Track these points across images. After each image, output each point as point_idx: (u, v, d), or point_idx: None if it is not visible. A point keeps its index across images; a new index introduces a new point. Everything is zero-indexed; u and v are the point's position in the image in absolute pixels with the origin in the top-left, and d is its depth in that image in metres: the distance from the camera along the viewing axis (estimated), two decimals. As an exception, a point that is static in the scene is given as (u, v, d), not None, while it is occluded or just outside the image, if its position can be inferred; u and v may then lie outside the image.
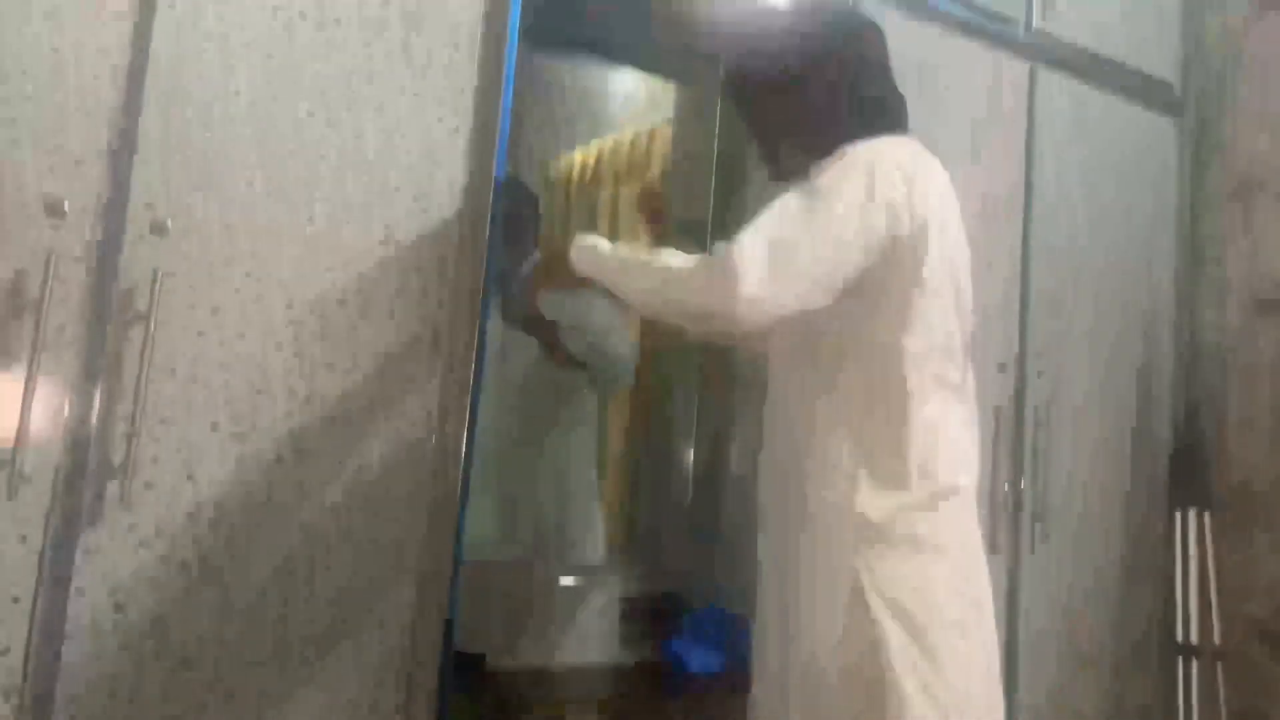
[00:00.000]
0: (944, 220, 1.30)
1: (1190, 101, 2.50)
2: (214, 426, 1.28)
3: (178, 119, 1.27)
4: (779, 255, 1.16)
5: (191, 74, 1.29)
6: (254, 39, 1.33)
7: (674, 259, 1.27)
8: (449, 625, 1.42)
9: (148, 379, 1.22)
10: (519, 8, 1.53)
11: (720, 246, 1.18)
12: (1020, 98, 2.16)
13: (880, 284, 1.25)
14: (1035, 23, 2.20)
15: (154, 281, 1.23)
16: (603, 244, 1.37)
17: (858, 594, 1.21)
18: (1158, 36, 2.46)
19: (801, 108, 1.36)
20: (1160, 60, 2.46)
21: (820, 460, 1.28)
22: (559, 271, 1.41)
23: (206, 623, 1.26)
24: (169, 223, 1.26)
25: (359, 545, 1.38)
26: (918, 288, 1.25)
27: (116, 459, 1.21)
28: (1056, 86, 2.23)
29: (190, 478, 1.26)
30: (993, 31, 2.13)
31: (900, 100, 1.42)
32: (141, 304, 1.23)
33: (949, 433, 1.28)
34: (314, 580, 1.34)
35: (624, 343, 2.01)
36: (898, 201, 1.23)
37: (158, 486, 1.24)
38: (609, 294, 1.36)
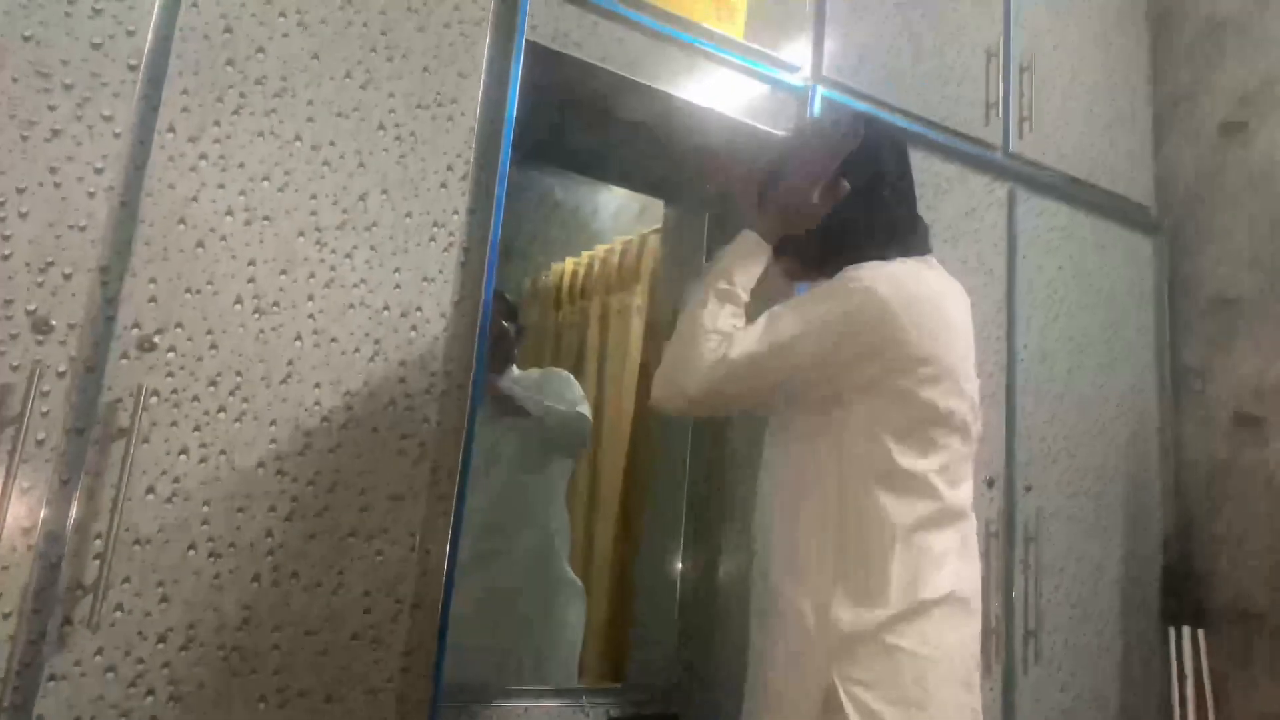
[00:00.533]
0: (950, 344, 1.29)
1: (1165, 223, 2.56)
2: (191, 546, 1.26)
3: (171, 237, 1.29)
4: (736, 370, 1.25)
5: (186, 194, 1.31)
6: (249, 161, 1.36)
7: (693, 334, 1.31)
8: (426, 755, 1.37)
9: (125, 497, 1.20)
10: (511, 128, 1.57)
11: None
12: (1000, 218, 2.22)
13: (868, 406, 1.25)
14: (1013, 146, 2.27)
15: (138, 398, 1.23)
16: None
17: (832, 699, 1.16)
18: (1132, 160, 2.54)
19: (808, 228, 1.37)
20: (1135, 183, 2.53)
21: (800, 565, 1.26)
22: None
23: (173, 753, 1.22)
24: (156, 339, 1.26)
25: (336, 670, 1.34)
26: (915, 410, 1.25)
27: (88, 579, 1.18)
28: (1036, 207, 2.28)
29: (164, 600, 1.23)
30: (973, 155, 2.19)
31: (915, 220, 1.42)
32: (124, 420, 1.22)
33: (935, 552, 1.24)
34: (288, 707, 1.30)
35: (573, 409, 2.18)
36: (875, 327, 1.24)
37: (129, 609, 1.21)
38: None
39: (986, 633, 1.97)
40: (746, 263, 1.36)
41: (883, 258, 1.31)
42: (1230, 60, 2.57)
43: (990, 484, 2.07)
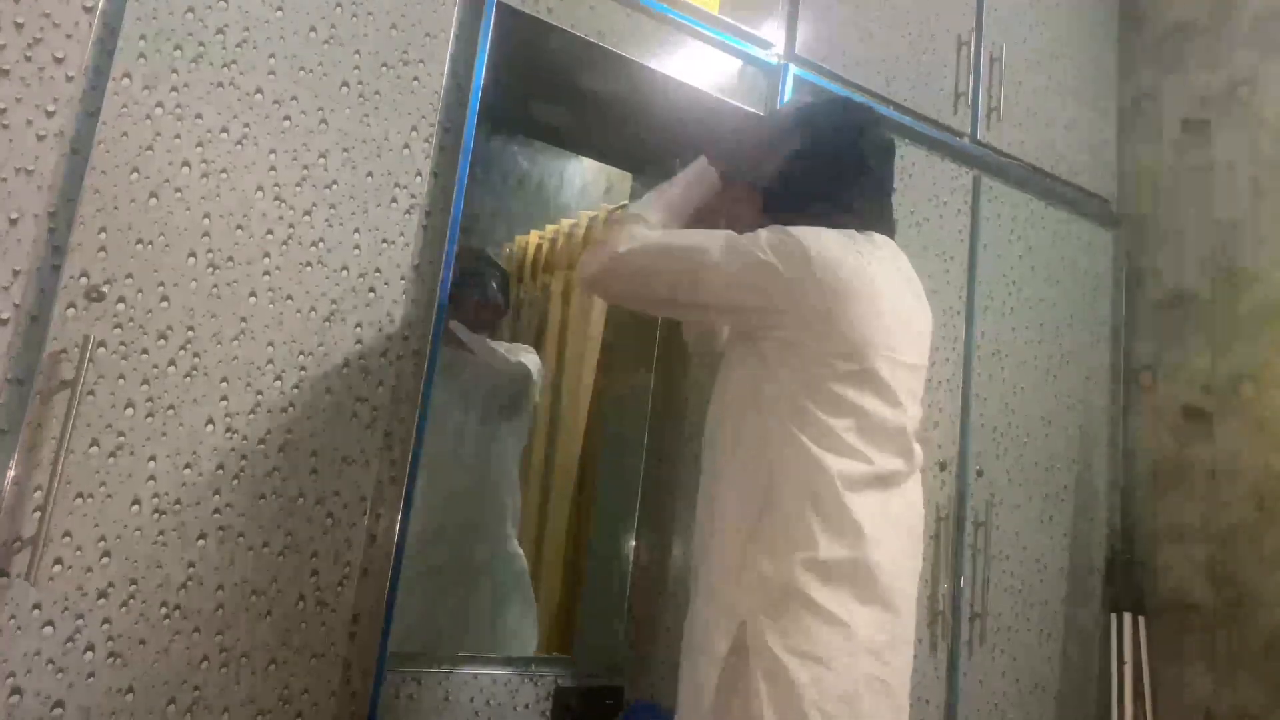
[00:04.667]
0: (878, 310, 1.30)
1: (1125, 217, 2.60)
2: (135, 502, 1.23)
3: (122, 186, 1.25)
4: (632, 258, 1.32)
5: (140, 143, 1.27)
6: (207, 112, 1.33)
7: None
8: None
9: (68, 449, 1.17)
10: (479, 93, 1.55)
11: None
12: (965, 205, 2.23)
13: (782, 355, 1.27)
14: (981, 134, 2.28)
15: (84, 349, 1.20)
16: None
17: (740, 640, 1.18)
18: (1095, 154, 2.57)
19: (754, 170, 1.44)
20: (1097, 176, 2.56)
21: (725, 508, 1.27)
22: None
23: (109, 709, 1.20)
24: (104, 290, 1.23)
25: (281, 632, 1.32)
26: (827, 366, 1.26)
27: (27, 532, 1.15)
28: (999, 195, 2.30)
29: (105, 555, 1.21)
30: (940, 141, 2.20)
31: (881, 208, 1.44)
32: (68, 372, 1.19)
33: (857, 515, 1.23)
34: (230, 668, 1.28)
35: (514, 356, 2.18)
36: (790, 268, 1.26)
37: (69, 563, 1.18)
38: None
39: (933, 614, 2.01)
40: (693, 184, 1.44)
41: (828, 225, 1.34)
42: (1193, 62, 2.60)
43: (943, 467, 2.09)
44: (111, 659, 1.20)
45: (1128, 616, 2.34)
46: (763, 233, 1.30)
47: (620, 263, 1.33)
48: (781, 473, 1.23)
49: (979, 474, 2.15)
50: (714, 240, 1.31)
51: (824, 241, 1.29)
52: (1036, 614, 2.23)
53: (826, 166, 1.41)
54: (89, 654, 1.19)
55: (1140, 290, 2.58)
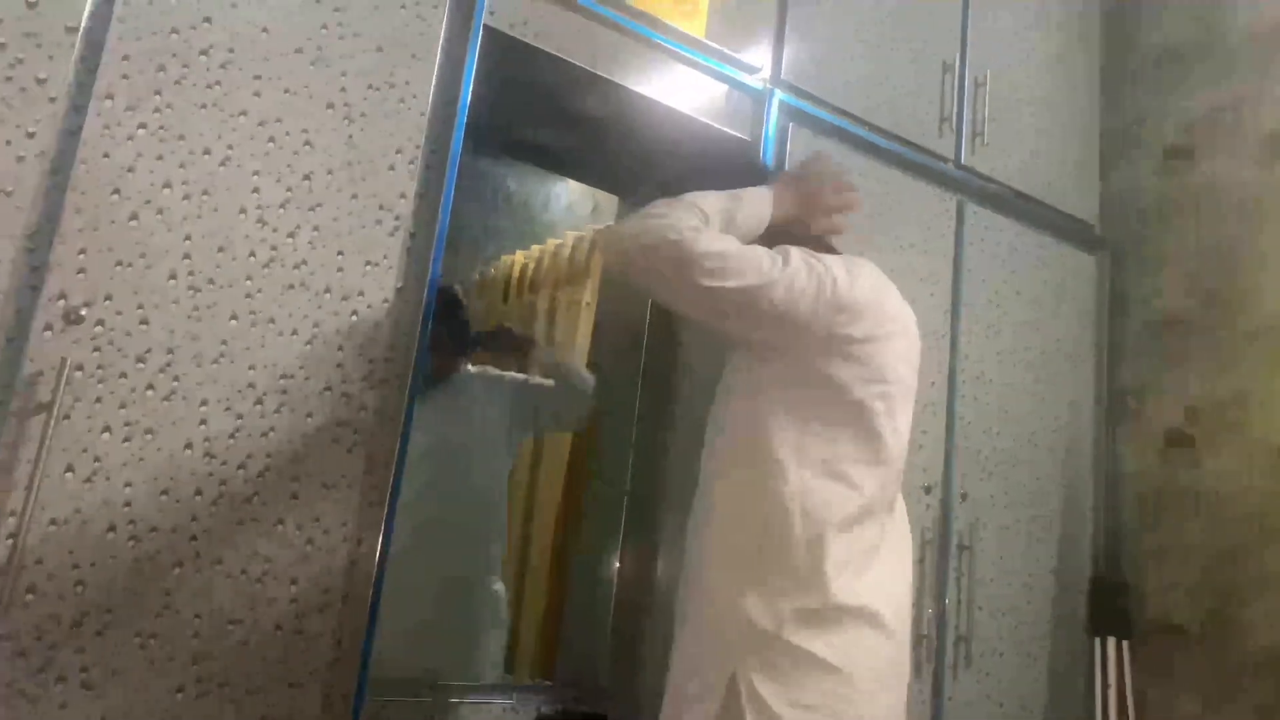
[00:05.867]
0: (873, 334, 1.30)
1: (1109, 242, 2.61)
2: (110, 528, 1.21)
3: (103, 207, 1.24)
4: (728, 264, 1.24)
5: (122, 164, 1.26)
6: (191, 133, 1.32)
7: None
8: (350, 750, 1.35)
9: (43, 474, 1.15)
10: (465, 115, 1.55)
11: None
12: (949, 229, 2.24)
13: (784, 388, 1.27)
14: (965, 159, 2.29)
15: (61, 371, 1.18)
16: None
17: (734, 700, 1.15)
18: (1079, 179, 2.58)
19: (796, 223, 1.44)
20: (1082, 202, 2.57)
21: (716, 548, 1.25)
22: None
23: (83, 741, 1.17)
24: (83, 312, 1.21)
25: (259, 661, 1.30)
26: (823, 388, 1.26)
27: None
28: (984, 220, 2.31)
29: (79, 583, 1.19)
30: (924, 165, 2.21)
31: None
32: (45, 395, 1.17)
33: (853, 552, 1.23)
34: (208, 697, 1.26)
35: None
36: (832, 284, 1.27)
37: (42, 590, 1.16)
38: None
39: (918, 638, 2.00)
40: (755, 203, 1.39)
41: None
42: (1178, 88, 2.63)
43: (928, 490, 2.09)
44: (85, 689, 1.18)
45: (1112, 640, 2.34)
46: (800, 254, 1.29)
47: (696, 259, 1.23)
48: (781, 511, 1.21)
49: (963, 497, 2.15)
50: (776, 254, 1.29)
51: (861, 269, 1.32)
52: (1021, 637, 2.22)
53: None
54: (61, 684, 1.17)
55: (1125, 315, 2.59)
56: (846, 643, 1.19)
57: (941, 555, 2.10)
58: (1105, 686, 2.31)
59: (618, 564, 2.04)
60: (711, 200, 1.34)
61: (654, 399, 2.08)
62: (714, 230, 1.30)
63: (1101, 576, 2.42)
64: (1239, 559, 2.29)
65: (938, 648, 2.06)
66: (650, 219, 1.28)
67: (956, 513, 2.13)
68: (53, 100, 1.22)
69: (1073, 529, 2.39)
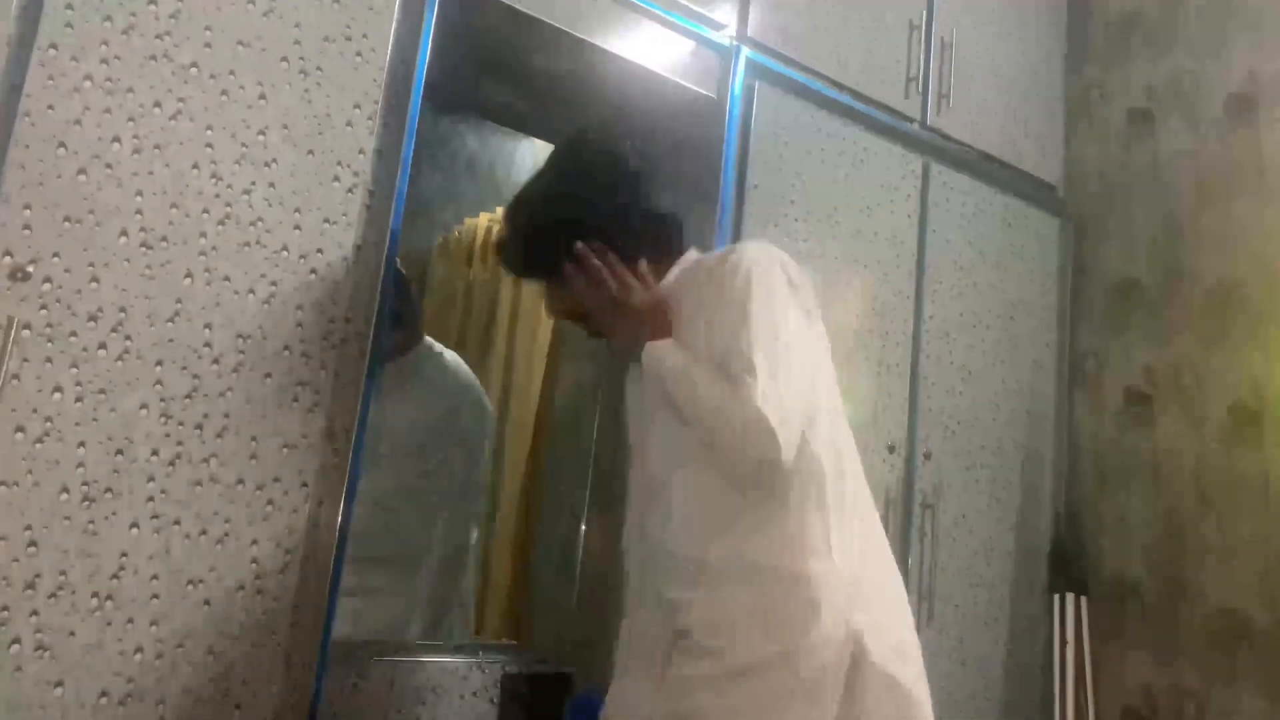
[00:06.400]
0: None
1: (1072, 206, 2.63)
2: (64, 490, 1.19)
3: (49, 162, 1.21)
4: (792, 404, 1.19)
5: (68, 117, 1.22)
6: (139, 86, 1.28)
7: (726, 400, 1.19)
8: (313, 710, 1.34)
9: (-8, 436, 1.13)
10: (424, 70, 1.52)
11: (746, 400, 1.17)
12: (914, 190, 2.24)
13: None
14: (931, 120, 2.29)
15: (8, 331, 1.15)
16: (675, 359, 1.26)
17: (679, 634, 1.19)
18: (1043, 142, 2.59)
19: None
20: (1045, 164, 2.58)
21: (666, 503, 1.26)
22: (626, 334, 1.32)
23: (37, 703, 1.16)
24: (30, 269, 1.18)
25: (219, 621, 1.29)
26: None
27: (-51, 522, 1.11)
28: (949, 181, 2.31)
29: (32, 544, 1.17)
30: (890, 126, 2.21)
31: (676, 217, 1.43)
32: (-8, 355, 1.14)
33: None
34: (166, 658, 1.25)
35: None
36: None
37: (-6, 553, 1.14)
38: None
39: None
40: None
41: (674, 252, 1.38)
42: (1139, 54, 2.64)
43: (891, 450, 2.10)
44: (39, 651, 1.16)
45: (1070, 598, 2.39)
46: (755, 263, 1.25)
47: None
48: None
49: (927, 457, 2.17)
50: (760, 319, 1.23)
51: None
52: (982, 595, 2.26)
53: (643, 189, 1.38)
54: (15, 646, 1.15)
55: (1086, 278, 2.61)
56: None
57: (905, 514, 2.12)
58: (1063, 643, 2.35)
59: (584, 528, 2.04)
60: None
61: (619, 364, 2.07)
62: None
63: (1061, 535, 2.46)
64: (1193, 521, 2.33)
65: (903, 605, 2.08)
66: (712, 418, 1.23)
67: (920, 472, 2.15)
68: (-7, 50, 1.18)
69: (1034, 489, 2.42)
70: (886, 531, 2.00)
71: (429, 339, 2.03)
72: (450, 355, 2.08)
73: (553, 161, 1.43)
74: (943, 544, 2.17)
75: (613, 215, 1.34)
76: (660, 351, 1.26)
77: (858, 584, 1.23)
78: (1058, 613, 2.38)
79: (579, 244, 1.31)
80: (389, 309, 1.47)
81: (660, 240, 1.38)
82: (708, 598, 1.20)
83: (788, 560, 1.20)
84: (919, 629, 2.07)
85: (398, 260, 1.50)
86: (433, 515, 2.02)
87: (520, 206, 1.40)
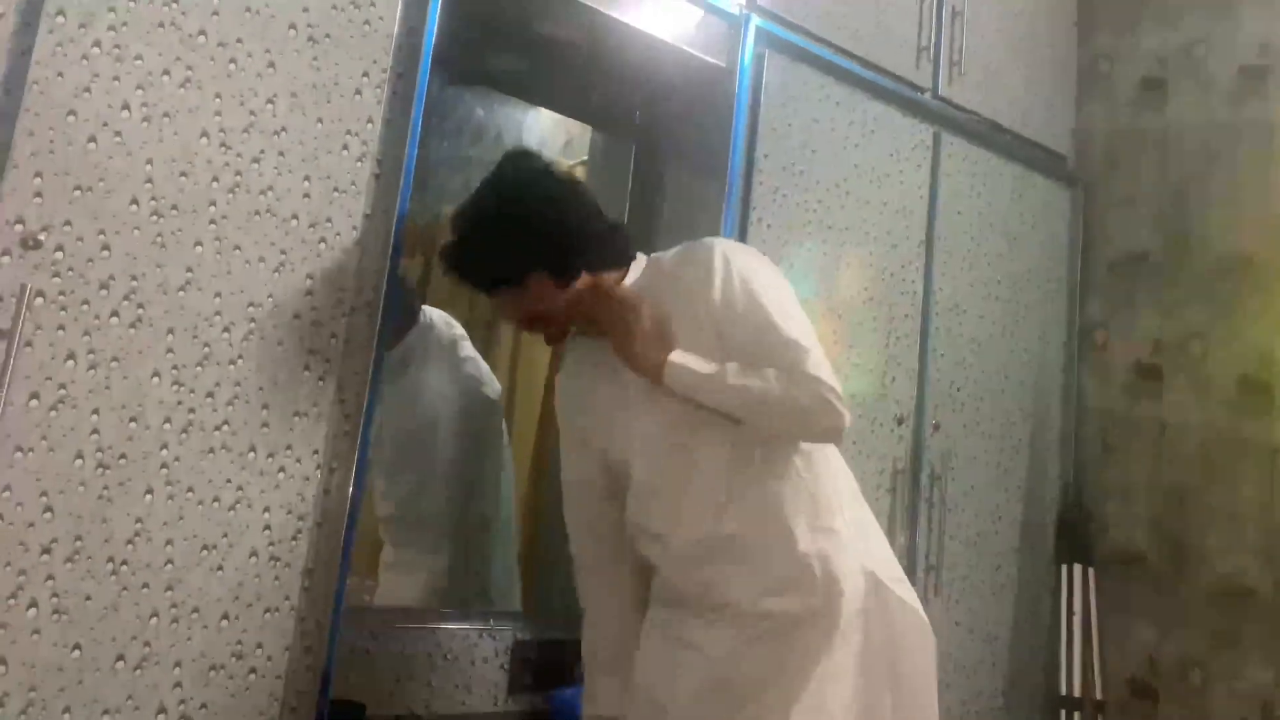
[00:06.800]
0: None
1: (1082, 176, 2.61)
2: (78, 456, 1.20)
3: (59, 130, 1.20)
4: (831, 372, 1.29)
5: (77, 84, 1.22)
6: (147, 53, 1.28)
7: (772, 387, 1.26)
8: (326, 675, 1.35)
9: (7, 402, 1.14)
10: (432, 38, 1.51)
11: (807, 377, 1.26)
12: (925, 160, 2.22)
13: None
14: (941, 89, 2.27)
15: (21, 299, 1.15)
16: (699, 367, 1.28)
17: None
18: (1054, 112, 2.57)
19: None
20: (1056, 134, 2.57)
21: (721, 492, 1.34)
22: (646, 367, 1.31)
23: (54, 665, 1.17)
24: (42, 237, 1.18)
25: (233, 586, 1.30)
26: None
27: (-35, 488, 1.12)
28: (960, 151, 2.30)
29: (48, 510, 1.18)
30: (901, 95, 2.19)
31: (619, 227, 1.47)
32: (4, 322, 1.15)
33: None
34: (181, 623, 1.26)
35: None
36: None
37: (9, 519, 1.15)
38: None
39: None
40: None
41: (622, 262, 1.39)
42: (1150, 23, 2.61)
43: (900, 421, 2.10)
44: (56, 615, 1.18)
45: (1078, 568, 2.39)
46: (734, 253, 1.34)
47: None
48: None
49: (935, 428, 2.17)
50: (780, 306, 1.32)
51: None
52: (990, 566, 2.27)
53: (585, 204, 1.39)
54: (32, 610, 1.16)
55: (1095, 249, 2.60)
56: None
57: (913, 485, 2.12)
58: (1070, 614, 2.36)
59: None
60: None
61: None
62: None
63: (1068, 505, 2.47)
64: (1199, 491, 2.34)
65: (908, 576, 2.09)
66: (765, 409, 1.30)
67: (928, 443, 2.15)
68: (0, 16, 1.18)
69: (1041, 459, 2.43)
70: (895, 502, 2.06)
71: (427, 311, 2.03)
72: (448, 331, 2.08)
73: (503, 181, 1.38)
74: (951, 514, 2.17)
75: (576, 232, 1.34)
76: (679, 371, 1.28)
77: (861, 526, 1.37)
78: (1065, 583, 2.39)
79: (605, 284, 1.35)
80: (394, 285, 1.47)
81: (620, 249, 1.40)
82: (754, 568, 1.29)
83: (826, 519, 1.31)
84: (926, 601, 2.10)
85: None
86: (450, 489, 2.04)
87: (476, 223, 1.36)
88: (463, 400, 2.09)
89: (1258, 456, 2.26)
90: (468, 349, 2.09)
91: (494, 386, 2.12)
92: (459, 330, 2.09)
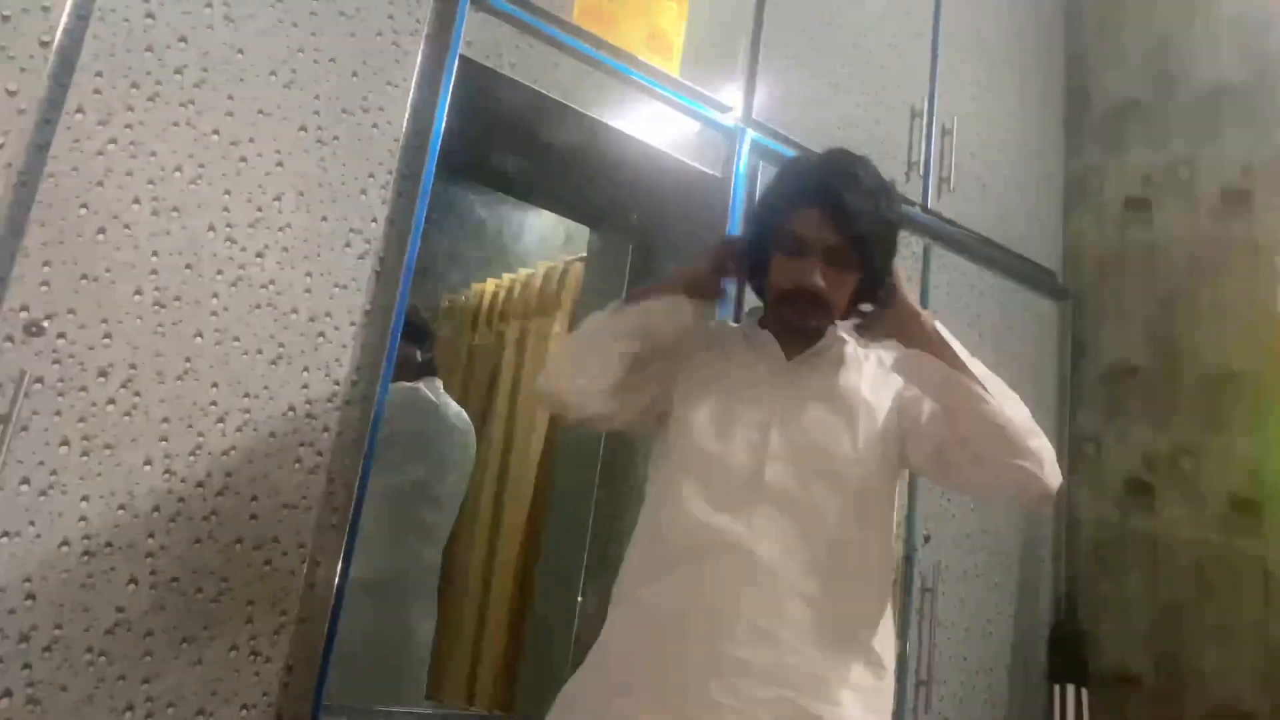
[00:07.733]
0: None
1: (1071, 290, 2.66)
2: (64, 542, 1.20)
3: (70, 221, 1.24)
4: None
5: (90, 178, 1.26)
6: (161, 150, 1.32)
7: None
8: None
9: (-3, 487, 1.14)
10: (438, 142, 1.56)
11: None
12: (915, 272, 2.27)
13: None
14: (931, 204, 2.33)
15: (20, 384, 1.17)
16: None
17: None
18: (1042, 227, 2.64)
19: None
20: (1045, 249, 2.62)
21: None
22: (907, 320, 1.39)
23: (24, 761, 1.15)
24: (45, 324, 1.21)
25: (211, 681, 1.28)
26: None
27: (-53, 572, 1.12)
28: (949, 264, 2.35)
29: (29, 597, 1.17)
30: (892, 208, 2.25)
31: None
32: (3, 406, 1.16)
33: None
34: (155, 717, 1.23)
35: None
36: None
37: (-10, 605, 1.14)
38: None
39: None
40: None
41: None
42: (1136, 141, 2.70)
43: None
44: (30, 705, 1.16)
45: (1071, 688, 2.35)
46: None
47: None
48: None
49: (926, 539, 2.16)
50: None
51: None
52: (982, 683, 2.23)
53: None
54: (5, 700, 1.14)
55: (1085, 362, 2.63)
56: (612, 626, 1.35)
57: (904, 597, 2.10)
58: (1063, 735, 2.31)
59: (579, 599, 2.03)
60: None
61: (620, 439, 2.08)
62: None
63: (1061, 623, 2.43)
64: (1194, 608, 2.31)
65: (899, 691, 2.05)
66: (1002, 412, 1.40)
67: (920, 554, 2.14)
68: (22, 112, 1.22)
69: (1032, 574, 2.41)
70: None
71: (439, 385, 2.06)
72: (453, 410, 2.11)
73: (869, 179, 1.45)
74: (941, 628, 2.15)
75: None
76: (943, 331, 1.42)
77: None
78: (1058, 703, 2.34)
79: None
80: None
81: None
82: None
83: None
84: (917, 714, 2.06)
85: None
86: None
87: (890, 200, 1.46)
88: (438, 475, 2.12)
89: (1251, 575, 2.25)
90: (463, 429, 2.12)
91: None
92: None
